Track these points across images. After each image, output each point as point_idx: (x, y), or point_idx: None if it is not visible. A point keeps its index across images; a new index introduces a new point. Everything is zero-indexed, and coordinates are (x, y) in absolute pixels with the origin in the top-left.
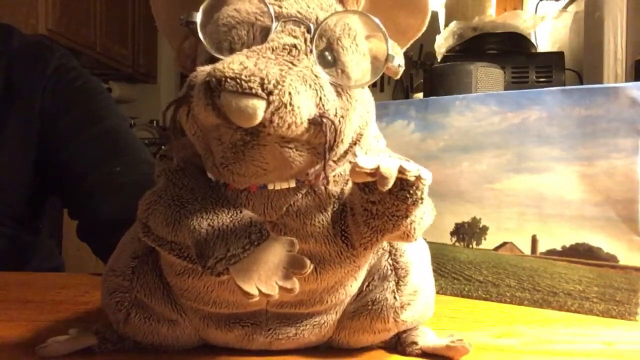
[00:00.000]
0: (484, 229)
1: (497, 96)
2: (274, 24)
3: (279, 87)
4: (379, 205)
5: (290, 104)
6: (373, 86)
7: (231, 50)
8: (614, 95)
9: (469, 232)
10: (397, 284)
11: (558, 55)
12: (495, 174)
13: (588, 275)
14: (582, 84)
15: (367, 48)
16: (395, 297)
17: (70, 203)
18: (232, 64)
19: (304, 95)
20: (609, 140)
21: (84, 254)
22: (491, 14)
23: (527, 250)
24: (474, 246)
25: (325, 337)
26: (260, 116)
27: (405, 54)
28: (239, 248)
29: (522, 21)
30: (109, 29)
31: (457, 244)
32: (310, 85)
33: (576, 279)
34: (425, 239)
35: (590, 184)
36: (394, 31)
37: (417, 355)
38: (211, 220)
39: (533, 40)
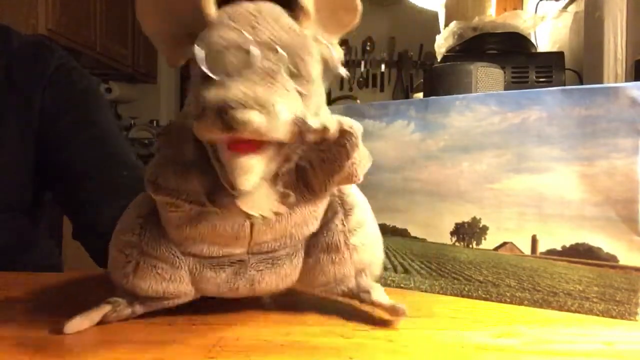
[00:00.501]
0: (484, 229)
1: (497, 96)
2: (254, 51)
3: (268, 103)
4: (328, 153)
5: (276, 113)
6: (373, 86)
7: (225, 73)
8: (614, 95)
9: (469, 232)
10: (344, 215)
11: (558, 55)
12: (495, 174)
13: (588, 275)
14: (582, 84)
15: (319, 53)
16: (343, 224)
17: (68, 203)
18: (234, 90)
19: (284, 105)
20: (609, 140)
21: (84, 254)
22: (491, 14)
23: (527, 250)
24: (474, 246)
25: (296, 267)
26: (258, 125)
27: (405, 54)
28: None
29: (522, 21)
30: (109, 29)
31: (457, 244)
32: (286, 98)
33: (576, 279)
34: (425, 239)
35: (590, 184)
36: (336, 25)
37: (369, 302)
38: (214, 172)
39: (533, 40)
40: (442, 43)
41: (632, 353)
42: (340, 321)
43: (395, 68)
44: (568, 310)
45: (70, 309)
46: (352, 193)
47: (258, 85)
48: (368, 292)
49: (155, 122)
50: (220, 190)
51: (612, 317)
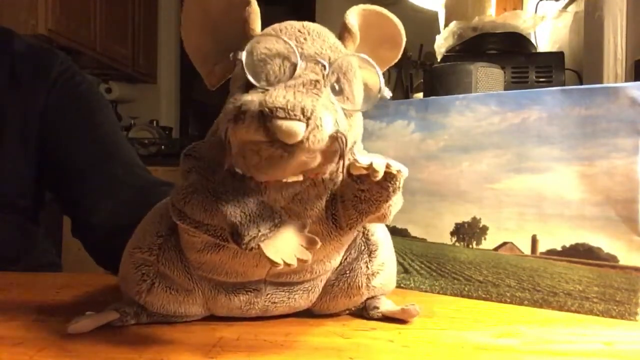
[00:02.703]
0: (484, 229)
1: (497, 96)
2: (299, 62)
3: (313, 114)
4: (367, 193)
5: (321, 125)
6: None
7: (267, 81)
8: (614, 95)
9: (469, 232)
10: (369, 256)
11: (558, 55)
12: (495, 174)
13: (588, 275)
14: (582, 84)
15: (362, 78)
16: (367, 267)
17: (67, 200)
18: (278, 97)
19: (328, 119)
20: (609, 140)
21: (84, 253)
22: (491, 14)
23: (527, 250)
24: (474, 246)
25: (311, 302)
26: (301, 135)
27: (405, 54)
28: (266, 229)
29: (522, 21)
30: (109, 29)
31: (457, 244)
32: (330, 111)
33: (576, 279)
34: (425, 239)
35: (590, 184)
36: (377, 60)
37: (378, 318)
38: (242, 208)
39: (533, 40)
40: (442, 43)
41: (632, 353)
42: (340, 321)
43: (395, 68)
44: (568, 310)
45: (69, 309)
46: (377, 231)
47: (305, 94)
48: (377, 307)
49: (155, 122)
50: (246, 229)
51: (612, 317)
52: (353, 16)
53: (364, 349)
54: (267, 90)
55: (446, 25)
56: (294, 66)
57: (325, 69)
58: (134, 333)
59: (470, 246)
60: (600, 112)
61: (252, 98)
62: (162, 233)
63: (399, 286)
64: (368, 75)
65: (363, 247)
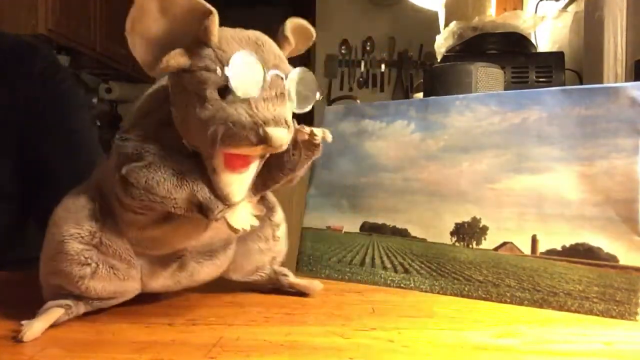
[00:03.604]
0: (484, 229)
1: (497, 96)
2: (266, 76)
3: (288, 122)
4: (296, 156)
5: (291, 128)
6: (373, 86)
7: (243, 92)
8: (614, 95)
9: (469, 232)
10: (271, 211)
11: (558, 55)
12: (495, 174)
13: (588, 275)
14: (582, 84)
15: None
16: (271, 220)
17: (36, 203)
18: (264, 109)
19: (293, 122)
20: (609, 140)
21: None
22: (491, 14)
23: (527, 250)
24: (474, 246)
25: (229, 259)
26: (287, 139)
27: (405, 54)
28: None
29: (522, 21)
30: (109, 29)
31: (457, 244)
32: (290, 114)
33: (576, 279)
34: (425, 239)
35: (590, 184)
36: (295, 50)
37: (287, 284)
38: (207, 184)
39: (533, 40)
40: (442, 43)
41: (632, 353)
42: (340, 321)
43: (395, 68)
44: (568, 310)
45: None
46: (269, 194)
47: (279, 105)
48: (286, 275)
49: None
50: (214, 203)
51: (612, 317)
52: (288, 28)
53: (364, 349)
54: (245, 100)
55: (446, 25)
56: (263, 79)
57: (283, 80)
58: (134, 333)
59: (470, 246)
60: (600, 112)
61: (238, 110)
62: (97, 216)
63: (398, 286)
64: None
65: (267, 205)
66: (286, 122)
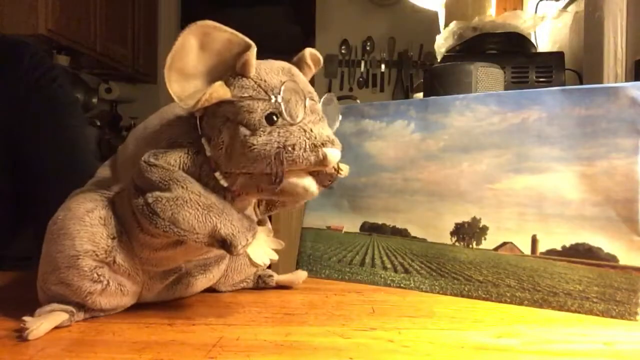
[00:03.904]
0: (484, 229)
1: (497, 96)
2: (307, 101)
3: (337, 141)
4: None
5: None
6: (373, 86)
7: (291, 117)
8: (614, 95)
9: (469, 232)
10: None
11: (558, 55)
12: (495, 174)
13: (588, 275)
14: (582, 84)
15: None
16: None
17: (24, 200)
18: (319, 132)
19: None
20: (609, 140)
21: None
22: (491, 14)
23: (527, 250)
24: (474, 246)
25: (222, 271)
26: (339, 158)
27: (405, 54)
28: (250, 237)
29: (522, 21)
30: (109, 29)
31: (457, 244)
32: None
33: (576, 279)
34: (425, 239)
35: (590, 184)
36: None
37: (274, 284)
38: (230, 219)
39: (533, 40)
40: (442, 43)
41: (632, 353)
42: (340, 321)
43: (395, 68)
44: (568, 310)
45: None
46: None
47: (322, 127)
48: (271, 275)
49: None
50: (237, 239)
51: (612, 317)
52: (308, 56)
53: (364, 349)
54: (294, 125)
55: (446, 25)
56: (304, 104)
57: (316, 103)
58: (134, 333)
59: (470, 246)
60: (600, 112)
61: (295, 134)
62: (114, 235)
63: (398, 286)
64: (334, 106)
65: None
66: (337, 142)
